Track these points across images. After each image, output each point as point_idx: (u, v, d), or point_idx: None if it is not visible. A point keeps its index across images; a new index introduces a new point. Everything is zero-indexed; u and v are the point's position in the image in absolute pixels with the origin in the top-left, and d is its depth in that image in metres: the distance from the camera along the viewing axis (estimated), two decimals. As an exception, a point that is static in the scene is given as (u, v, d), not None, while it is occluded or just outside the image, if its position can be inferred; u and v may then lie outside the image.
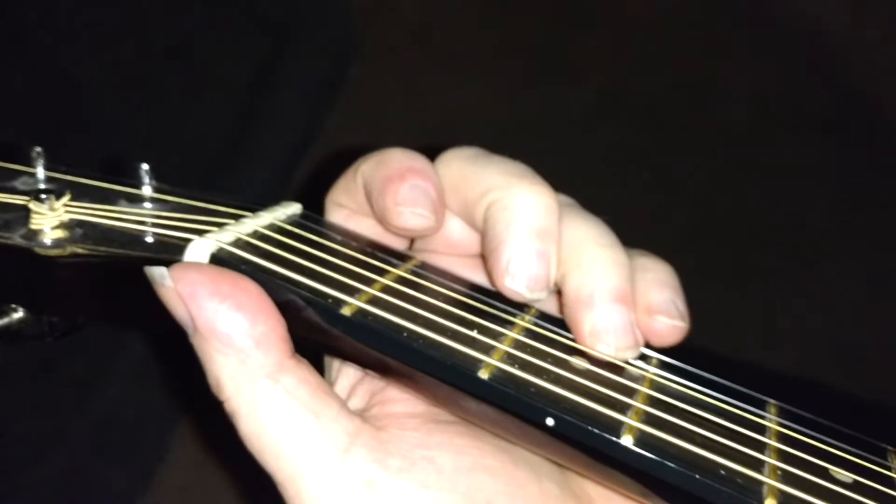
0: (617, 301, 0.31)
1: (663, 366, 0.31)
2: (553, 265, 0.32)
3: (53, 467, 0.72)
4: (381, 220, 0.35)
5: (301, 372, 0.29)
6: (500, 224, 0.32)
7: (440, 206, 0.34)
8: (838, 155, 0.86)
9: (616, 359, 0.31)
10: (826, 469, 0.27)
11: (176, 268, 0.29)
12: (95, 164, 0.79)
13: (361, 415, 0.31)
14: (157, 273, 0.29)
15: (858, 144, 0.86)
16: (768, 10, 0.88)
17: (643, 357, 0.31)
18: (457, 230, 0.36)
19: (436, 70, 0.89)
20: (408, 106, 0.89)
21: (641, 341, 0.32)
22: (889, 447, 0.30)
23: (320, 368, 0.35)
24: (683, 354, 0.33)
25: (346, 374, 0.35)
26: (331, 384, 0.35)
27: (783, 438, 0.28)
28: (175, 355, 0.28)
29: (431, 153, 0.37)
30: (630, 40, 0.90)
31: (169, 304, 0.29)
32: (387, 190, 0.33)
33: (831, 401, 0.75)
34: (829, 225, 0.85)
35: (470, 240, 0.36)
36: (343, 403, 0.30)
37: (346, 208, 0.37)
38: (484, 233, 0.33)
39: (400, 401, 0.32)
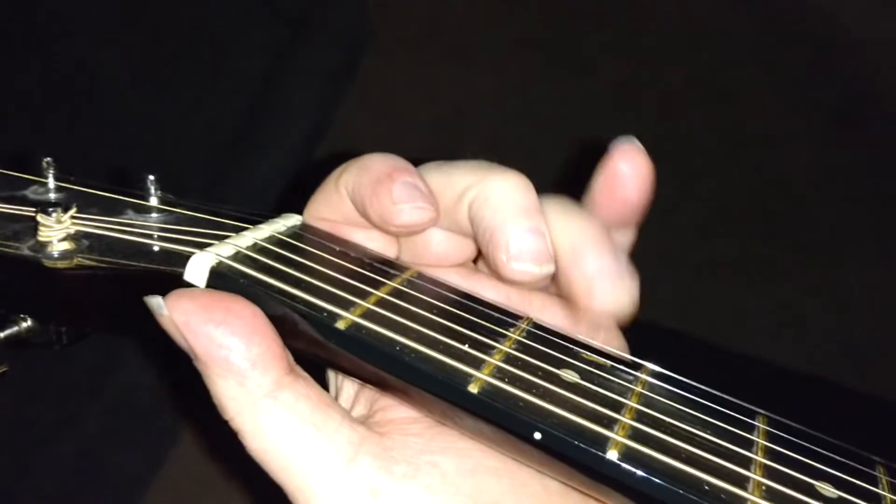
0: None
1: (653, 377, 0.31)
2: (548, 238, 0.33)
3: (66, 451, 0.73)
4: (380, 223, 0.35)
5: (300, 387, 0.30)
6: (487, 215, 0.33)
7: (434, 199, 0.34)
8: (852, 152, 0.86)
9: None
10: (811, 485, 0.27)
11: (171, 297, 0.29)
12: (108, 153, 0.80)
13: (365, 422, 0.32)
14: (155, 303, 0.29)
15: (873, 141, 0.86)
16: (783, 6, 0.87)
17: (634, 367, 0.32)
18: (438, 241, 0.36)
19: (448, 63, 0.89)
20: (420, 98, 0.89)
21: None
22: (878, 459, 0.30)
23: (323, 379, 0.36)
24: (680, 357, 0.33)
25: (350, 383, 0.36)
26: (335, 394, 0.36)
27: (770, 453, 0.28)
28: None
29: (441, 148, 0.37)
30: (644, 34, 0.90)
31: (170, 334, 0.30)
32: (380, 191, 0.34)
33: (838, 397, 0.76)
34: (842, 221, 0.84)
35: (453, 249, 0.37)
36: (346, 413, 0.30)
37: (328, 221, 0.37)
38: (475, 231, 0.34)
39: (400, 406, 0.32)
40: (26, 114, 0.82)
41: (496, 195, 0.33)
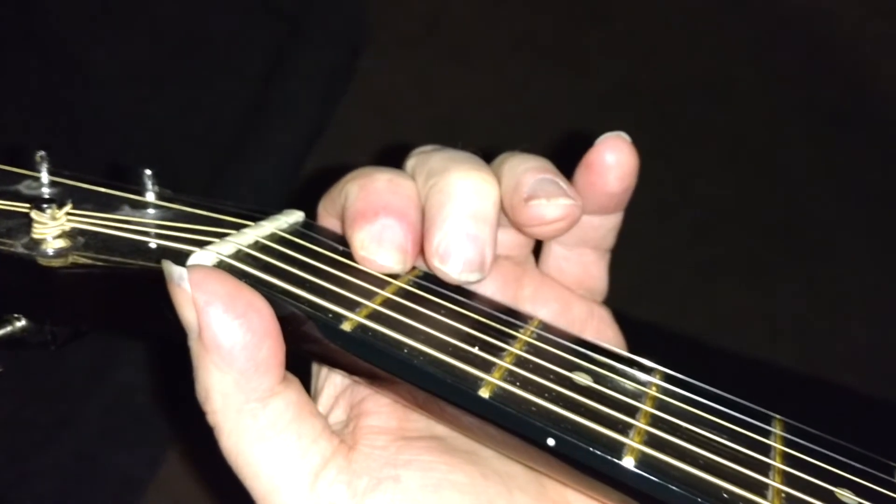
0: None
1: (666, 380, 0.31)
2: (488, 248, 0.32)
3: (63, 453, 0.72)
4: (353, 253, 0.34)
5: (290, 395, 0.29)
6: (434, 207, 0.32)
7: (411, 246, 0.33)
8: (850, 152, 0.85)
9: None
10: (831, 492, 0.26)
11: (196, 272, 0.28)
12: (107, 153, 0.79)
13: (341, 430, 0.31)
14: (176, 272, 0.28)
15: (870, 142, 0.85)
16: (781, 5, 0.87)
17: (646, 369, 0.31)
18: None
19: (447, 61, 0.89)
20: (419, 97, 0.88)
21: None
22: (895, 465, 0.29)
23: (307, 372, 0.35)
24: (679, 359, 0.33)
25: (332, 383, 0.35)
26: (317, 392, 0.35)
27: (788, 459, 0.28)
28: (184, 344, 0.28)
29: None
30: (642, 33, 0.89)
31: (178, 305, 0.28)
32: (355, 226, 0.33)
33: (837, 397, 0.75)
34: (840, 222, 0.84)
35: None
36: (325, 424, 0.30)
37: (334, 218, 0.37)
38: (424, 216, 0.33)
39: (373, 414, 0.32)
40: (23, 113, 0.81)
41: (448, 190, 0.33)
